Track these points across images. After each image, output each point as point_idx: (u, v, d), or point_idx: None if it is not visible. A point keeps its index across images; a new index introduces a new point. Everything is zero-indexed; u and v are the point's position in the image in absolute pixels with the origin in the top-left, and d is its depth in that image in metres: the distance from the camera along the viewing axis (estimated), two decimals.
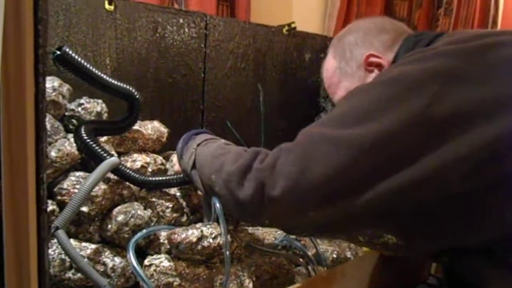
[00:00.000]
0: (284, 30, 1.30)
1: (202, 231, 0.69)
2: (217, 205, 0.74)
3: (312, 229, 0.64)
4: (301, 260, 0.84)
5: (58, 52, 0.66)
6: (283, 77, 1.32)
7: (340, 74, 0.81)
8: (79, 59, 0.70)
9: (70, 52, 0.68)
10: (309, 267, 0.82)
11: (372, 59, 0.75)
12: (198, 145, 0.74)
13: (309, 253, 0.86)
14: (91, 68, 0.72)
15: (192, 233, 0.68)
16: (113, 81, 0.76)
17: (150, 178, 0.78)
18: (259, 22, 1.27)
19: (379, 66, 0.75)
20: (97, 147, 0.72)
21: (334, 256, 0.94)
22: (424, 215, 0.57)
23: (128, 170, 0.75)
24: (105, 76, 0.75)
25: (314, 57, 1.40)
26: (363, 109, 0.58)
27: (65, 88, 0.82)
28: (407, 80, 0.58)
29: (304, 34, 1.36)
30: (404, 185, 0.54)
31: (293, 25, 1.31)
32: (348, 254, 0.96)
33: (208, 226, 0.70)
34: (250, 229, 0.95)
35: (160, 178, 0.79)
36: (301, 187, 0.56)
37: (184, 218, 0.82)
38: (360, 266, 0.84)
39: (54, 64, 0.67)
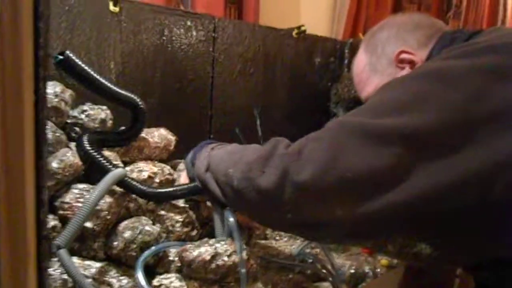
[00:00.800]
0: (294, 33, 1.25)
1: (216, 248, 0.64)
2: (230, 219, 0.69)
3: (338, 233, 0.58)
4: (324, 271, 0.78)
5: (61, 57, 0.62)
6: (293, 82, 1.28)
7: (369, 70, 0.77)
8: (83, 65, 0.65)
9: (74, 57, 0.63)
10: (331, 281, 0.77)
11: (404, 56, 0.72)
12: (212, 149, 0.70)
13: (329, 267, 0.81)
14: (95, 75, 0.67)
15: (205, 251, 0.63)
16: (117, 90, 0.72)
17: (159, 190, 0.72)
18: (268, 25, 1.22)
19: (411, 63, 0.71)
20: (101, 158, 0.67)
21: (352, 271, 0.88)
22: (462, 222, 0.52)
23: (134, 182, 0.70)
24: (109, 84, 0.70)
25: (324, 61, 1.36)
26: (399, 100, 0.54)
27: (68, 93, 0.77)
28: (448, 74, 0.54)
29: (314, 38, 1.32)
30: (440, 185, 0.50)
31: (302, 28, 1.26)
32: (366, 269, 0.91)
33: (222, 242, 0.65)
34: (263, 243, 0.89)
35: (170, 189, 0.74)
36: (331, 176, 0.51)
37: (194, 232, 0.77)
38: (383, 285, 0.78)
39: (56, 69, 0.62)
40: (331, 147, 0.53)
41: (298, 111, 1.30)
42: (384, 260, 0.98)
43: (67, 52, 0.62)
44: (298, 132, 1.31)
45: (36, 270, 0.32)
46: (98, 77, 0.68)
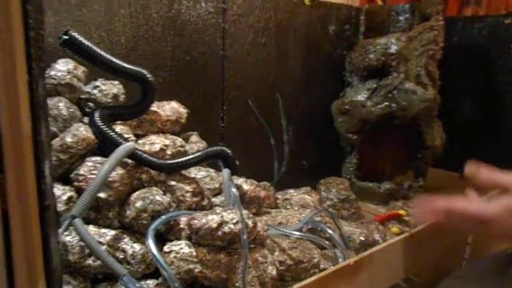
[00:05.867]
0: (306, 1, 1.23)
1: (222, 216, 0.66)
2: (233, 189, 0.72)
3: None
4: (327, 243, 0.80)
5: (65, 37, 0.63)
6: (306, 52, 1.26)
7: None
8: (87, 43, 0.66)
9: (77, 36, 0.65)
10: (336, 251, 0.79)
11: None
12: None
13: (336, 236, 0.83)
14: (100, 51, 0.69)
15: (212, 219, 0.66)
16: (123, 64, 0.73)
17: (168, 161, 0.75)
18: None
19: None
20: (112, 133, 0.70)
21: (362, 238, 0.90)
22: None
23: (145, 155, 0.72)
24: (115, 59, 0.72)
25: (339, 29, 1.33)
26: None
27: (80, 70, 0.80)
28: None
29: (328, 5, 1.29)
30: None
31: None
32: (377, 237, 0.92)
33: (229, 211, 0.68)
34: (274, 212, 0.92)
35: (178, 160, 0.76)
36: None
37: (205, 202, 0.80)
38: (389, 253, 0.79)
39: (63, 48, 0.64)
40: None
41: (312, 81, 1.29)
42: (395, 228, 0.99)
43: (70, 31, 0.64)
44: (313, 103, 1.32)
45: (41, 236, 0.35)
46: (103, 53, 0.69)
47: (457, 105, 1.46)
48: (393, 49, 1.17)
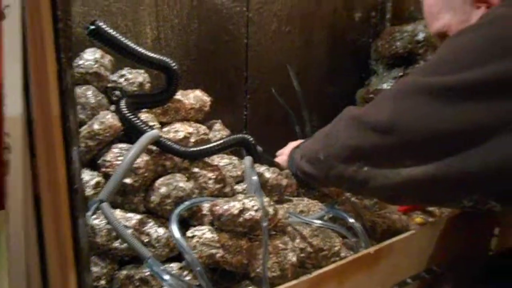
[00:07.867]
0: None
1: (244, 203, 0.67)
2: (254, 177, 0.73)
3: (414, 192, 0.61)
4: (347, 231, 0.81)
5: (92, 27, 0.65)
6: (331, 40, 1.25)
7: (442, 5, 0.73)
8: (113, 33, 0.68)
9: (104, 26, 0.67)
10: (355, 240, 0.79)
11: None
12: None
13: (358, 225, 0.83)
14: (125, 41, 0.70)
15: (233, 205, 0.67)
16: (148, 54, 0.75)
17: (191, 149, 0.76)
18: None
19: (487, 2, 0.67)
20: (137, 121, 0.72)
21: (384, 228, 0.90)
22: None
23: (168, 142, 0.74)
24: (140, 49, 0.73)
25: (365, 16, 1.31)
26: (460, 56, 0.53)
27: (107, 59, 0.82)
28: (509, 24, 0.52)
29: None
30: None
31: None
32: (399, 227, 0.91)
33: (250, 198, 0.69)
34: (296, 200, 0.92)
35: (201, 148, 0.78)
36: (391, 140, 0.56)
37: (228, 189, 0.81)
38: (410, 243, 0.79)
39: (89, 38, 0.66)
40: (389, 110, 0.56)
41: (337, 70, 1.28)
42: (418, 218, 0.98)
43: (97, 22, 0.66)
44: (338, 91, 1.31)
45: (70, 217, 0.37)
46: (129, 43, 0.71)
47: None
48: (421, 36, 1.15)
